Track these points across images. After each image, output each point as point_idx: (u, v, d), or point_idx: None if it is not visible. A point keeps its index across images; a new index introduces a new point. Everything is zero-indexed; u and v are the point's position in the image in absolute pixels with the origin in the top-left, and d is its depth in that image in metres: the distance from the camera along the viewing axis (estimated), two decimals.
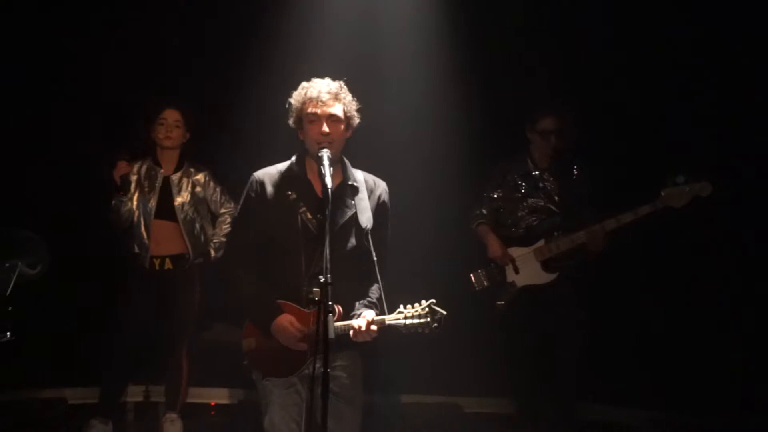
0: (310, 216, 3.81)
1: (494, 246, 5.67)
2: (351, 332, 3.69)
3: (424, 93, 6.29)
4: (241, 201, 3.97)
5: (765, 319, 5.77)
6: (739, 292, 5.85)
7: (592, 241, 5.45)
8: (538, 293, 5.62)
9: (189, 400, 6.06)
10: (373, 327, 3.69)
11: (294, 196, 3.84)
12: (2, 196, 6.03)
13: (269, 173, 3.92)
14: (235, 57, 6.42)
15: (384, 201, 3.96)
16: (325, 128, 3.77)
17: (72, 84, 6.29)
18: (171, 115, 5.76)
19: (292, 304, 3.81)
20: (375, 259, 3.75)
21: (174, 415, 5.76)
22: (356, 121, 3.88)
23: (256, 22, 6.35)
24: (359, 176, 3.94)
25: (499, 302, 5.66)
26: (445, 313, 3.70)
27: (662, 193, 5.31)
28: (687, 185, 5.28)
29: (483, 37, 6.26)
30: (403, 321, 3.69)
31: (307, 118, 3.81)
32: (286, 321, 3.77)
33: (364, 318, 3.70)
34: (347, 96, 3.86)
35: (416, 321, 3.69)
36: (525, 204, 5.70)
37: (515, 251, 5.65)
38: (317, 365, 3.41)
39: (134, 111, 6.02)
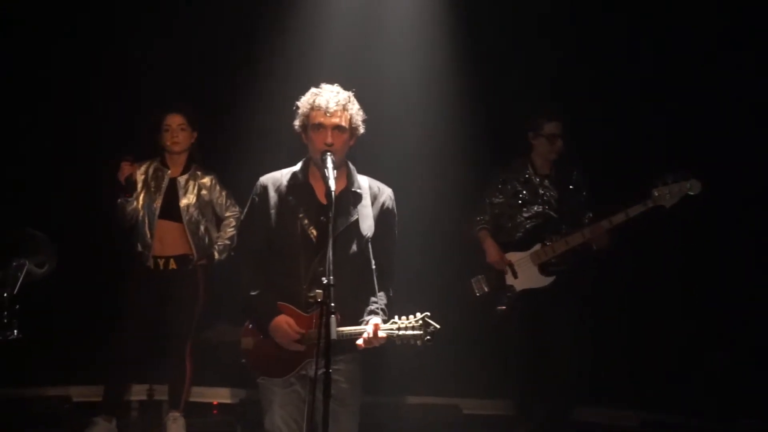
0: (307, 222, 3.83)
1: (492, 251, 5.73)
2: (360, 340, 3.69)
3: (426, 99, 6.35)
4: (247, 205, 4.00)
5: (760, 320, 5.82)
6: (735, 294, 5.91)
7: (597, 238, 5.50)
8: (537, 297, 5.68)
9: (192, 399, 6.07)
10: (382, 334, 3.70)
11: (294, 201, 3.86)
12: (10, 195, 6.10)
13: (273, 178, 3.93)
14: (241, 61, 6.47)
15: (388, 207, 3.94)
16: (329, 139, 3.77)
17: (79, 84, 6.35)
18: (174, 120, 5.80)
19: (291, 306, 3.83)
20: (374, 267, 3.76)
21: (177, 414, 5.78)
22: (361, 131, 3.87)
23: (263, 27, 6.40)
24: (363, 183, 3.93)
25: (499, 307, 5.70)
26: (438, 326, 3.72)
27: (655, 193, 5.37)
28: (677, 184, 5.34)
29: (485, 42, 6.33)
30: (396, 332, 3.72)
31: (312, 127, 3.81)
32: (284, 322, 3.80)
33: (372, 324, 3.72)
34: (354, 107, 3.85)
35: (409, 333, 3.71)
36: (525, 210, 5.76)
37: (513, 256, 5.71)
38: (318, 367, 3.45)
39: (139, 113, 6.09)
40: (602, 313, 6.06)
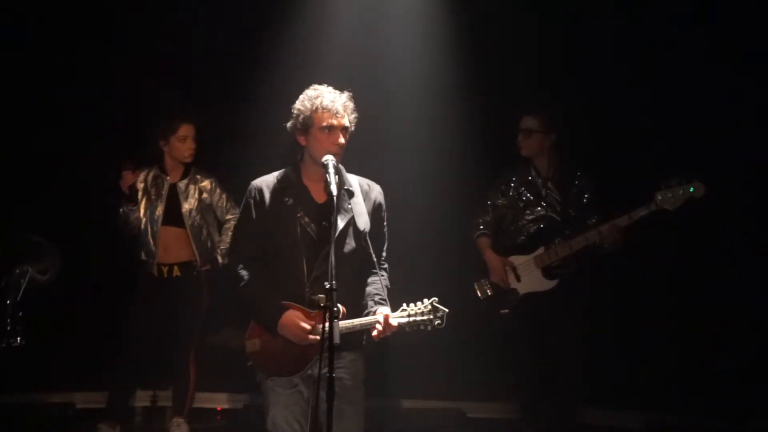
0: (308, 220, 3.87)
1: (494, 265, 5.67)
2: (375, 332, 3.74)
3: (426, 100, 6.36)
4: (241, 208, 4.02)
5: (766, 321, 5.81)
6: (739, 294, 5.88)
7: (609, 239, 5.47)
8: (541, 300, 5.66)
9: (195, 405, 6.10)
10: (393, 322, 3.74)
11: (291, 202, 3.89)
12: (13, 201, 6.13)
13: (267, 181, 3.97)
14: (239, 63, 6.49)
15: (380, 203, 4.02)
16: (341, 140, 3.84)
17: (81, 90, 6.38)
18: (189, 131, 5.80)
19: (296, 305, 3.83)
20: (374, 260, 3.81)
21: (181, 420, 5.81)
22: (353, 129, 3.95)
23: (261, 28, 6.42)
24: (353, 180, 3.98)
25: (502, 310, 5.69)
26: (447, 310, 3.76)
27: (658, 196, 5.36)
28: (680, 187, 5.33)
29: (488, 42, 6.32)
30: (406, 318, 3.75)
31: (321, 128, 3.85)
32: (294, 316, 3.79)
33: (381, 315, 3.75)
34: (352, 107, 3.93)
35: (419, 318, 3.75)
36: (527, 212, 5.74)
37: (516, 259, 5.69)
38: (322, 368, 3.46)
39: (141, 119, 6.10)
40: (606, 314, 6.04)
